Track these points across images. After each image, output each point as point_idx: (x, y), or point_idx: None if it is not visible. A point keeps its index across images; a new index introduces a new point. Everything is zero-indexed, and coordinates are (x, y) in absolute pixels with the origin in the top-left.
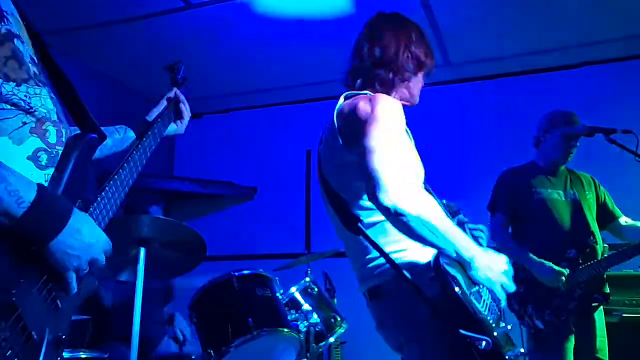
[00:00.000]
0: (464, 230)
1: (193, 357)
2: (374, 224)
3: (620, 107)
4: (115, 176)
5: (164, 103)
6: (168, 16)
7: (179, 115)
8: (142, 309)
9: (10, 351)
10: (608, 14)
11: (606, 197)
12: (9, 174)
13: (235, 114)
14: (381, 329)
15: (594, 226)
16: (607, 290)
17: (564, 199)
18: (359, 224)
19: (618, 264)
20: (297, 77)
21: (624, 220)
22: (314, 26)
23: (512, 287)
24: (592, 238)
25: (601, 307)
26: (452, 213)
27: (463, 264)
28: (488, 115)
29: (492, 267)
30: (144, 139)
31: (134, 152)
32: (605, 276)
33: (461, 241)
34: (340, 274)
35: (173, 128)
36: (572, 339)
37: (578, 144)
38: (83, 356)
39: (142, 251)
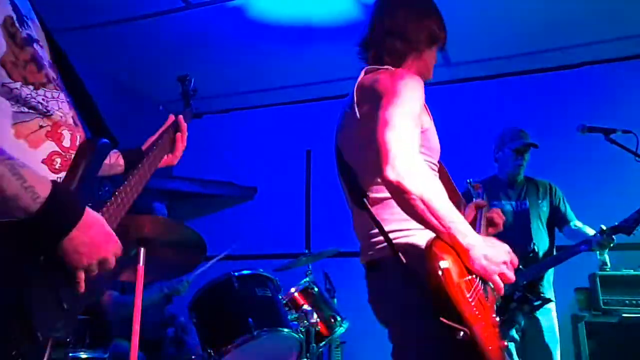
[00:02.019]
0: (480, 213)
1: (193, 357)
2: (380, 199)
3: (620, 107)
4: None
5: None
6: (168, 16)
7: (173, 147)
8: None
9: (15, 351)
10: (608, 14)
11: (561, 202)
12: (25, 171)
13: (235, 114)
14: (372, 303)
15: (538, 233)
16: (544, 291)
17: (514, 209)
18: (364, 199)
19: (551, 267)
20: (297, 77)
21: (574, 224)
22: (313, 26)
23: (511, 278)
24: (532, 244)
25: (551, 307)
26: (476, 194)
27: (459, 251)
28: (488, 115)
29: (490, 257)
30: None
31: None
32: (543, 278)
33: (460, 228)
34: (340, 274)
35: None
36: (516, 336)
37: (526, 156)
38: (83, 356)
39: (142, 251)
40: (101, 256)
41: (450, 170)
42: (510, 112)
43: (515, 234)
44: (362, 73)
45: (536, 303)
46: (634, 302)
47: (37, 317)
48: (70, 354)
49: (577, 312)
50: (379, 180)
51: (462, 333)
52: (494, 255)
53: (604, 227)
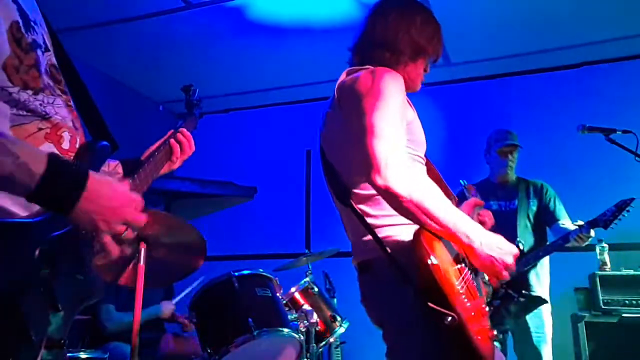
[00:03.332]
0: (473, 212)
1: (193, 357)
2: (367, 196)
3: (620, 107)
4: None
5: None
6: (168, 16)
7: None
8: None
9: (6, 352)
10: (608, 14)
11: (551, 201)
12: (18, 148)
13: (235, 114)
14: (365, 303)
15: (526, 232)
16: (534, 290)
17: (501, 209)
18: (350, 199)
19: (530, 264)
20: (297, 77)
21: (561, 223)
22: (313, 26)
23: (506, 277)
24: (516, 242)
25: (540, 309)
26: (469, 196)
27: (465, 250)
28: (488, 115)
29: (498, 261)
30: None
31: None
32: (527, 275)
33: (461, 227)
34: (340, 274)
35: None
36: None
37: (512, 157)
38: (83, 356)
39: (143, 251)
40: (120, 218)
41: (449, 170)
42: (510, 112)
43: (500, 233)
44: (344, 74)
45: (521, 299)
46: (634, 302)
47: (31, 317)
48: (70, 354)
49: (577, 312)
50: (363, 178)
51: (449, 318)
52: (501, 257)
53: (581, 222)
